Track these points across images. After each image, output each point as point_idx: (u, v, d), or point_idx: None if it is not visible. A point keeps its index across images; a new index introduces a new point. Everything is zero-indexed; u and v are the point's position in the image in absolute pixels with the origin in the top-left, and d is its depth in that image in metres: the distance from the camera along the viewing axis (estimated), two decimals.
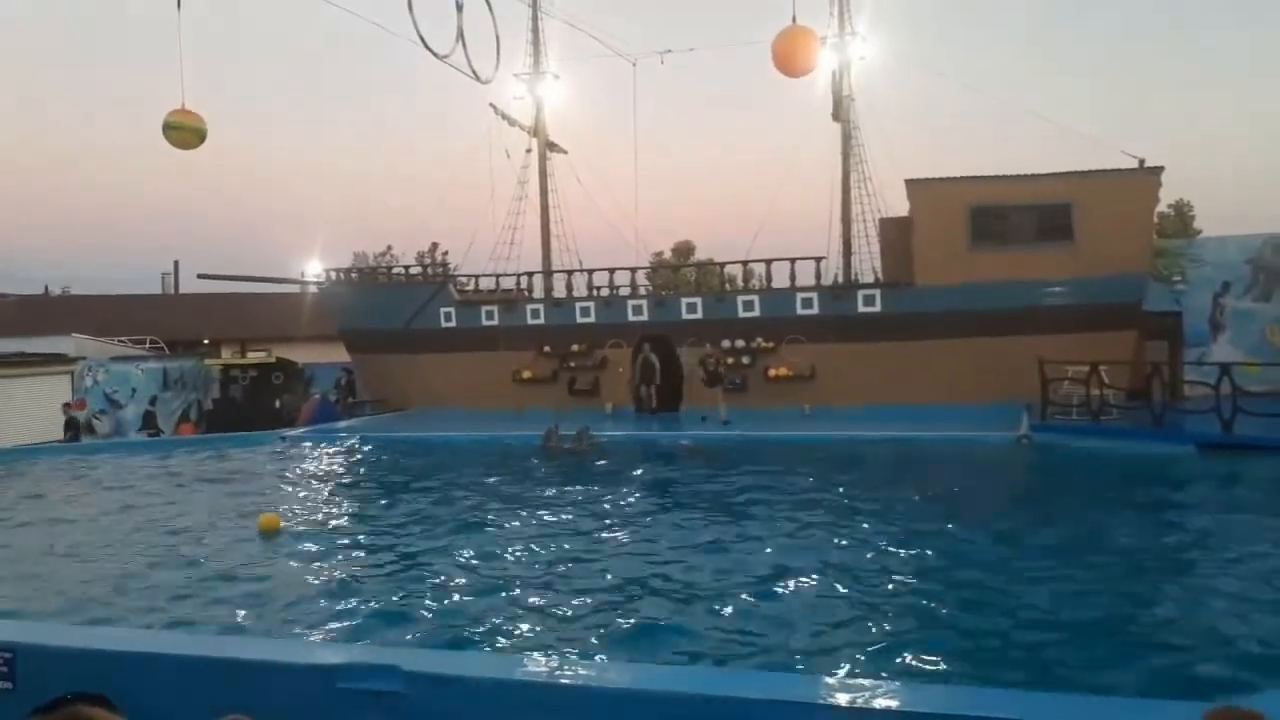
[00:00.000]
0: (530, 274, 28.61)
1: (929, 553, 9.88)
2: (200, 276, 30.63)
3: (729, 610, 7.88)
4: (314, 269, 30.24)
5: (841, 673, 6.12)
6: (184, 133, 19.27)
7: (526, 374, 26.62)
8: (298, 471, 18.11)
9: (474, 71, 19.28)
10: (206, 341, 39.56)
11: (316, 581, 9.35)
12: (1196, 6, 67.52)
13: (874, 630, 7.23)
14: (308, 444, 21.72)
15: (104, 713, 2.30)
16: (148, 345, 34.64)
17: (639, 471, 16.41)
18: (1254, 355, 21.89)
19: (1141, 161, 23.01)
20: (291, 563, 10.25)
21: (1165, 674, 6.20)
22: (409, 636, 7.31)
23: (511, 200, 29.36)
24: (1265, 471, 14.34)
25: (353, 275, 31.03)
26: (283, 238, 73.48)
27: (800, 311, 24.99)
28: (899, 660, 6.49)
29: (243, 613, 8.18)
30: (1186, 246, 26.00)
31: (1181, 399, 19.70)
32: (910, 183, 23.87)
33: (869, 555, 9.77)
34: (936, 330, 23.13)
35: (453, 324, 27.44)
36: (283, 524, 11.84)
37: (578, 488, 14.78)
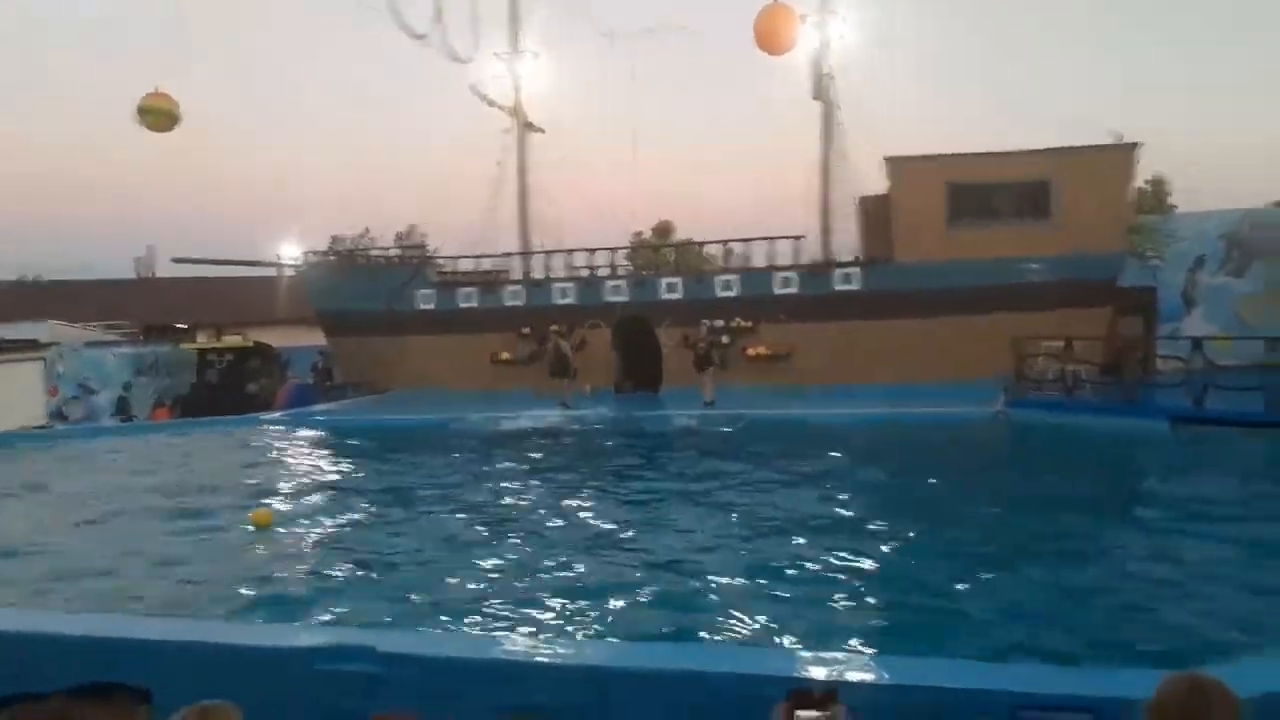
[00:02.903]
0: (509, 255, 28.57)
1: (897, 527, 10.02)
2: (175, 261, 30.39)
3: (701, 586, 7.97)
4: (291, 252, 30.05)
5: (814, 646, 6.21)
6: (157, 116, 19.10)
7: (505, 355, 26.63)
8: (274, 456, 18.09)
9: (452, 51, 19.19)
10: (182, 326, 39.26)
11: (294, 565, 9.38)
12: None
13: (840, 605, 7.34)
14: (284, 428, 21.68)
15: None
16: (123, 331, 34.36)
17: (614, 450, 16.51)
18: (1227, 330, 22.18)
19: (1119, 137, 23.20)
20: (269, 546, 10.28)
21: (1127, 641, 6.34)
22: (387, 618, 7.37)
23: (490, 181, 29.26)
24: (1234, 446, 14.58)
25: (330, 258, 30.88)
26: (259, 221, 72.78)
27: (779, 291, 25.08)
28: (857, 634, 6.61)
29: (221, 597, 8.21)
30: (1162, 222, 26.27)
31: (1155, 374, 19.95)
32: (889, 160, 23.96)
33: (837, 530, 9.89)
34: (915, 308, 23.28)
35: (431, 306, 27.39)
36: (275, 521, 11.65)
37: (553, 468, 14.87)
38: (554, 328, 25.18)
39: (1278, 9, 60.62)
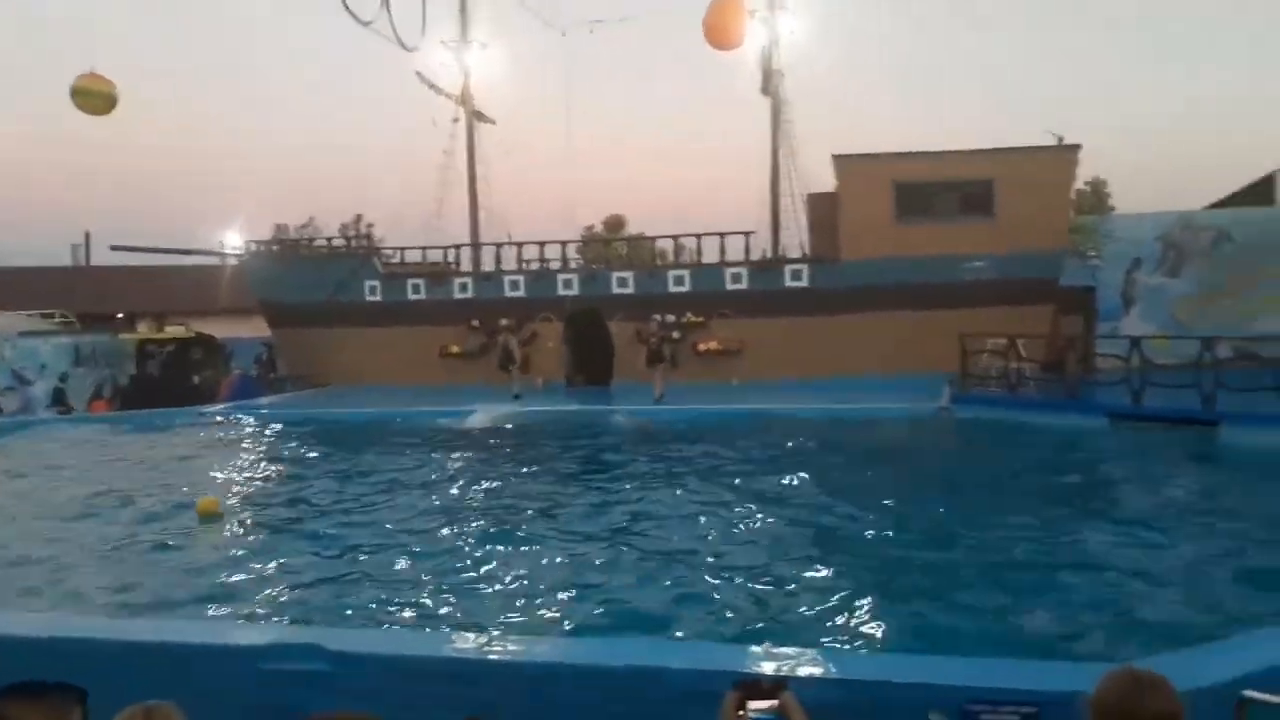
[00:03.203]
0: (458, 247, 28.31)
1: (840, 521, 10.11)
2: (114, 248, 29.66)
3: (647, 583, 7.97)
4: (234, 241, 29.49)
5: (763, 640, 6.25)
6: (92, 98, 18.61)
7: (454, 348, 26.40)
8: (218, 449, 17.75)
9: (398, 38, 18.94)
10: (120, 315, 38.30)
11: (239, 559, 9.22)
12: None
13: (782, 600, 7.38)
14: (228, 420, 21.29)
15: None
16: (57, 319, 33.43)
17: (567, 447, 16.45)
18: (1163, 329, 22.75)
19: (1060, 139, 23.67)
20: (215, 543, 10.08)
21: (1071, 634, 6.48)
22: (336, 615, 7.27)
23: (438, 170, 28.98)
24: (1170, 442, 14.97)
25: (274, 247, 30.35)
26: (201, 208, 71.29)
27: (730, 286, 25.20)
28: (802, 629, 6.66)
29: (164, 592, 8.03)
30: (1101, 223, 26.84)
31: (1095, 371, 20.40)
32: (837, 158, 24.20)
33: (781, 526, 9.94)
34: (862, 304, 23.55)
35: (378, 297, 27.06)
36: (221, 509, 11.43)
37: (505, 463, 14.78)
38: (503, 322, 25.05)
39: (1220, 29, 62.57)
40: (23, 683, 2.30)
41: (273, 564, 9.10)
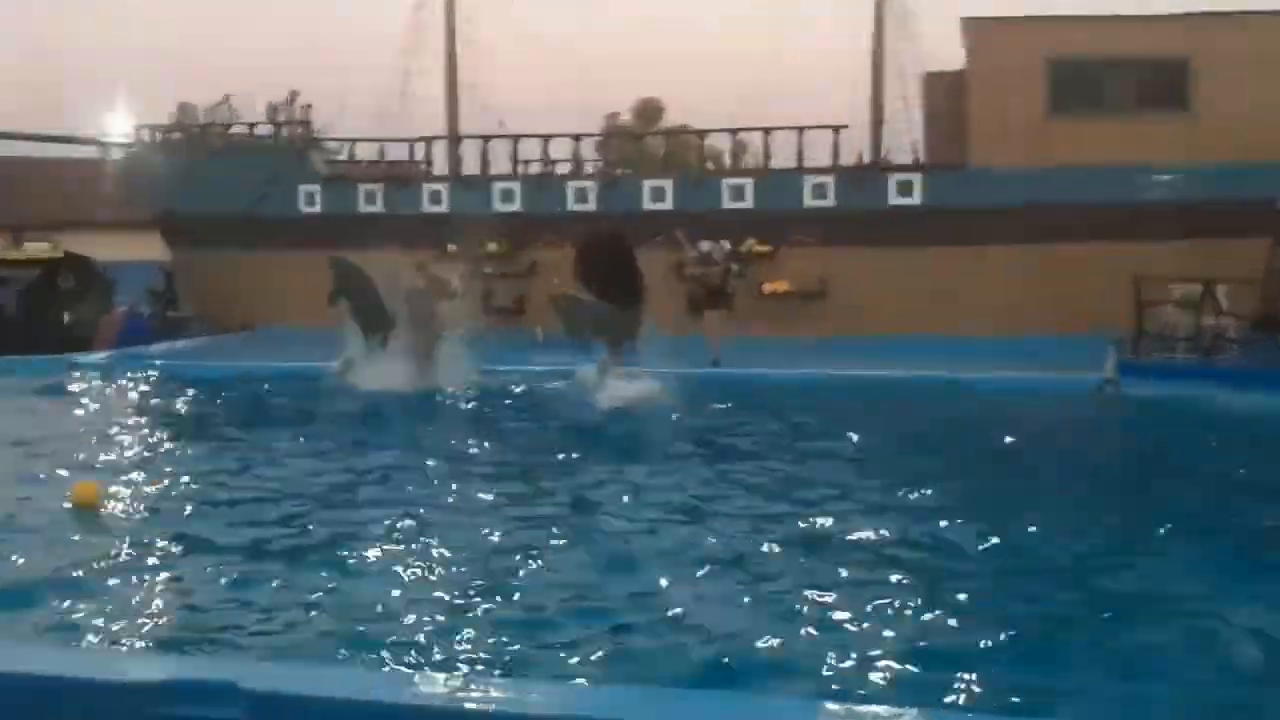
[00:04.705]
0: (429, 139, 28.36)
1: (945, 547, 10.07)
2: None
3: (673, 605, 8.05)
4: (121, 126, 29.74)
5: (833, 695, 6.37)
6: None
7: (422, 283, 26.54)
8: (97, 414, 18.05)
9: None
10: None
11: (128, 570, 9.41)
12: None
13: (852, 646, 7.42)
14: (109, 375, 21.62)
15: None
16: None
17: (575, 417, 16.64)
18: None
19: None
20: (93, 538, 10.30)
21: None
22: (256, 646, 7.45)
23: (405, 34, 28.97)
24: None
25: (176, 136, 30.59)
26: (78, 80, 71.59)
27: (810, 202, 25.17)
28: (873, 685, 6.76)
29: (25, 606, 8.25)
30: None
31: None
32: (968, 23, 23.98)
33: (860, 546, 9.96)
34: (997, 232, 23.44)
35: (317, 208, 27.24)
36: (105, 498, 11.64)
37: (464, 436, 14.96)
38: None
39: None
40: None
41: (172, 573, 9.29)
